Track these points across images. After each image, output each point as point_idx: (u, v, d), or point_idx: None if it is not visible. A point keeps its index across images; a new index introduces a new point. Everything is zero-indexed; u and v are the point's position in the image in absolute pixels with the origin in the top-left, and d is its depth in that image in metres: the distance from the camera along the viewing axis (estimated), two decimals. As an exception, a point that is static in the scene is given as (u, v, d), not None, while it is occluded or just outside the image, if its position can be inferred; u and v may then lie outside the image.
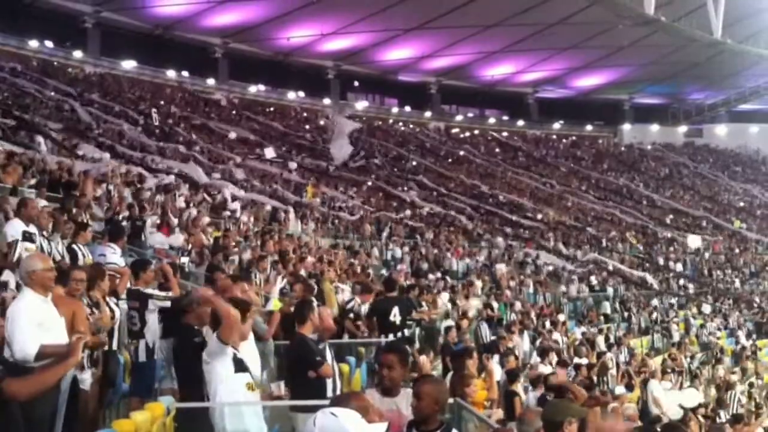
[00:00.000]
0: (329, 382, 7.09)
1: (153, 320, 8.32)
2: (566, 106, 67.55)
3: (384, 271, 23.58)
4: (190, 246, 14.88)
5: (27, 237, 8.66)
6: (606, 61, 60.56)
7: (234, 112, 50.89)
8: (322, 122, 53.28)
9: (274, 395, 7.22)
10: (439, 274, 24.98)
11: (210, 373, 5.45)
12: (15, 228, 8.70)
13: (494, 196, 47.59)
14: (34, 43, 46.31)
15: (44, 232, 9.31)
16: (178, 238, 15.45)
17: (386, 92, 65.46)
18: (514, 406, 9.84)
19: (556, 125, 67.98)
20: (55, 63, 46.89)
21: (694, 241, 42.18)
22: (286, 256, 15.38)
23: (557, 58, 60.69)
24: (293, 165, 40.49)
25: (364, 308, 11.85)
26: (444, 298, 17.38)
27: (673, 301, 34.55)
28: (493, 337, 15.55)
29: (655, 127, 69.48)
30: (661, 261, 41.71)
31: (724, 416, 15.88)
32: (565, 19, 51.53)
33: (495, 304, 20.11)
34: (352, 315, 12.09)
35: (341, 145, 42.65)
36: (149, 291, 8.48)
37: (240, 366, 5.46)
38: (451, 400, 6.21)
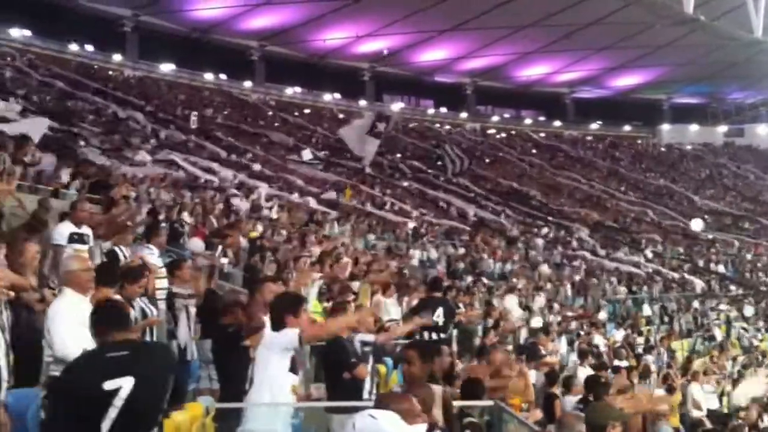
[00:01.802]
0: (366, 383, 7.08)
1: (183, 320, 8.35)
2: (604, 106, 66.88)
3: (419, 273, 23.54)
4: (220, 248, 14.87)
5: (76, 239, 8.73)
6: (643, 61, 59.81)
7: (270, 113, 51.18)
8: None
9: (313, 397, 7.21)
10: (475, 276, 24.89)
11: (265, 360, 5.37)
12: (61, 232, 8.77)
13: (531, 196, 47.28)
14: (74, 47, 46.99)
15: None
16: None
17: (422, 93, 65.34)
18: (553, 409, 9.74)
19: (594, 126, 67.37)
20: (95, 66, 47.51)
21: (696, 224, 41.87)
22: (323, 257, 15.39)
23: (594, 57, 60.11)
24: (307, 154, 40.56)
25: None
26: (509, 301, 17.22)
27: (714, 303, 34.00)
28: (531, 339, 15.45)
29: (694, 128, 68.52)
30: (701, 263, 41.10)
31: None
32: (601, 18, 51.04)
33: (534, 306, 19.97)
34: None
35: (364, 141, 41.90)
36: (175, 290, 8.52)
37: (293, 366, 5.42)
38: (491, 402, 6.15)
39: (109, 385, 3.72)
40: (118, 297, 6.48)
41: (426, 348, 4.99)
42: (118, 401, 3.70)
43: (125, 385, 3.72)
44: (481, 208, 42.15)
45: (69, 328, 5.39)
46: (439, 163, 41.52)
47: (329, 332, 5.73)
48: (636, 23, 50.78)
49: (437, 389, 4.92)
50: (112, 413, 3.69)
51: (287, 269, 13.51)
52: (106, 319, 4.08)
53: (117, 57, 49.34)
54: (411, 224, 32.02)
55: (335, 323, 5.95)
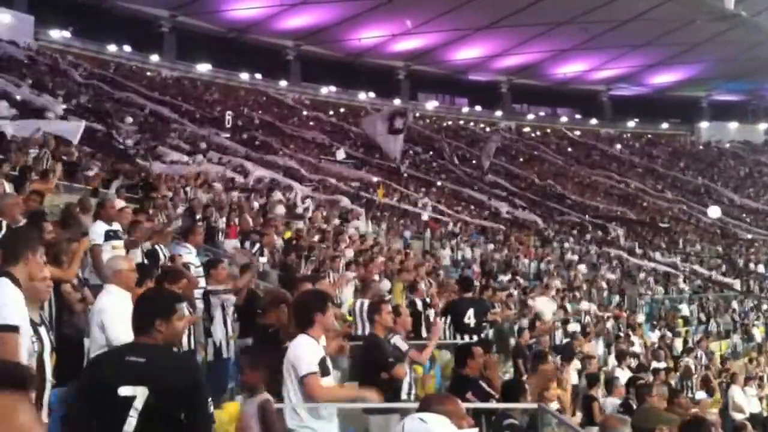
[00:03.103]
0: (405, 384, 7.04)
1: (218, 318, 8.38)
2: (641, 103, 66.17)
3: (454, 272, 23.47)
4: (258, 245, 14.94)
5: (111, 235, 8.82)
6: (682, 58, 59.13)
7: (305, 113, 51.36)
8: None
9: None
10: (510, 276, 24.75)
11: (290, 377, 5.34)
12: (97, 232, 8.85)
13: (566, 196, 46.92)
14: (112, 48, 47.59)
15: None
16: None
17: (456, 92, 65.19)
18: (592, 411, 9.64)
19: (631, 123, 66.69)
20: (133, 67, 48.07)
21: (714, 211, 41.54)
22: (358, 257, 15.43)
23: (631, 55, 59.56)
24: (341, 154, 40.72)
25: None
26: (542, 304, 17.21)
27: (754, 303, 33.48)
28: (566, 340, 15.31)
29: (734, 125, 67.55)
30: (741, 262, 40.47)
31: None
32: (640, 15, 50.52)
33: (569, 307, 19.79)
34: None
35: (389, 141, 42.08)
36: (210, 287, 8.56)
37: (324, 370, 5.35)
38: (534, 405, 6.10)
39: (124, 391, 3.71)
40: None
41: (255, 355, 4.88)
42: (134, 411, 3.69)
43: (139, 394, 3.70)
44: (515, 206, 41.91)
45: (120, 319, 5.48)
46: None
47: (328, 398, 5.55)
48: (675, 20, 50.17)
49: (257, 399, 4.90)
50: (131, 423, 3.69)
51: (323, 268, 13.56)
52: (139, 316, 4.05)
53: (154, 57, 49.87)
54: (425, 215, 31.97)
55: (334, 395, 5.72)
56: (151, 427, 3.72)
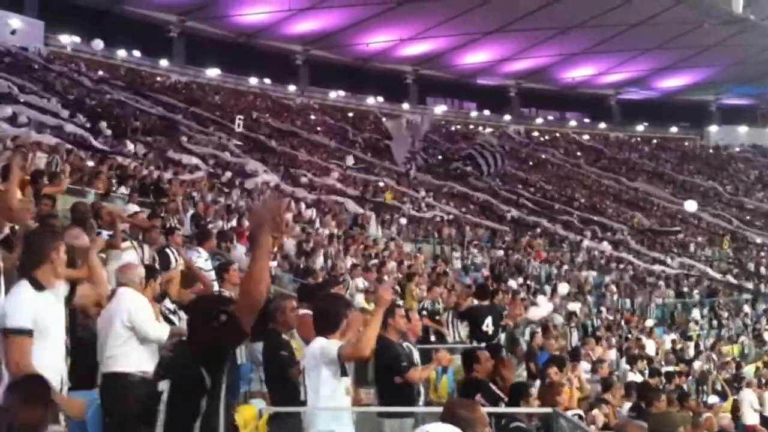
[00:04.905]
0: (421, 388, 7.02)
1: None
2: (650, 107, 65.98)
3: (464, 276, 23.44)
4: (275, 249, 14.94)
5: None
6: (691, 62, 58.94)
7: (313, 117, 51.35)
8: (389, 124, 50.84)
9: (362, 402, 7.16)
10: (521, 279, 24.70)
11: (315, 370, 5.32)
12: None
13: (576, 199, 46.81)
14: (122, 53, 47.71)
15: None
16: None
17: (465, 96, 65.10)
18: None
19: (640, 127, 66.50)
20: (143, 72, 48.17)
21: (690, 205, 41.61)
22: (369, 260, 15.43)
23: (641, 58, 59.38)
24: (350, 160, 40.71)
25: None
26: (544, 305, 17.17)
27: (765, 307, 33.32)
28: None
29: (743, 129, 67.25)
30: (751, 266, 40.28)
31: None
32: (648, 18, 50.40)
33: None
34: (425, 313, 12.33)
35: (402, 146, 42.03)
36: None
37: (343, 370, 5.38)
38: (549, 410, 6.08)
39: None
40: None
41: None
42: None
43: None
44: (525, 210, 41.82)
45: (150, 315, 5.89)
46: (468, 163, 41.69)
47: (367, 345, 5.49)
48: (684, 23, 50.05)
49: None
50: None
51: (334, 271, 13.57)
52: None
53: (164, 62, 49.99)
54: (404, 220, 31.96)
55: (368, 338, 5.69)
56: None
